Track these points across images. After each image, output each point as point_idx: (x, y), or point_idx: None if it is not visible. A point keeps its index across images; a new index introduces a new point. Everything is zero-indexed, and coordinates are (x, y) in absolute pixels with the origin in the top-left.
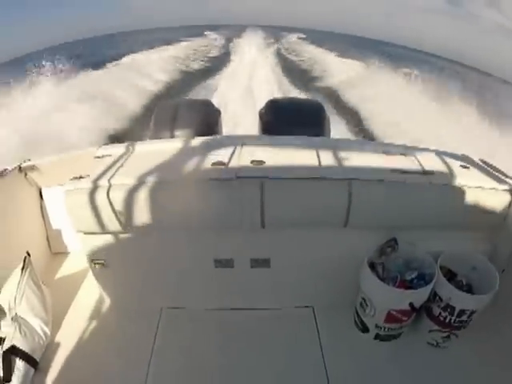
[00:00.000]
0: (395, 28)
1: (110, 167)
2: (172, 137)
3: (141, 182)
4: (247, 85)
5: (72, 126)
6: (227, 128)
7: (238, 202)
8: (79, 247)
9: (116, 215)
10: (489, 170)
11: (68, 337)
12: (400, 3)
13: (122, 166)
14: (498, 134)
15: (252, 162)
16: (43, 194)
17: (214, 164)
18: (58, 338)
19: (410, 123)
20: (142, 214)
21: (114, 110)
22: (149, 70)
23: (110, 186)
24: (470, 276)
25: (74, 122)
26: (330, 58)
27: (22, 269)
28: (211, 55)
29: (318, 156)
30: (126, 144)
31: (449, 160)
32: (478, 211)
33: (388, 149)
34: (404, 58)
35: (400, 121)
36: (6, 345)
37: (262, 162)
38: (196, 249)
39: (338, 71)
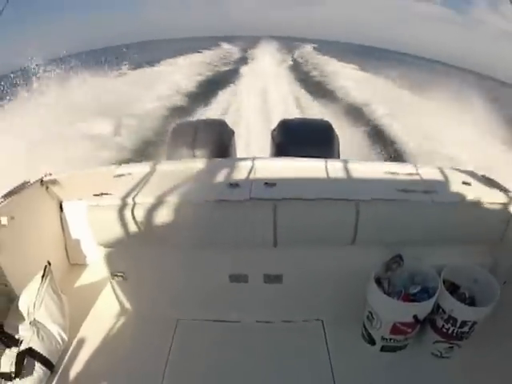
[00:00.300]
0: (410, 38)
1: (130, 186)
2: (188, 156)
3: (160, 200)
4: (262, 97)
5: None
6: (241, 144)
7: (252, 222)
8: (97, 259)
9: (137, 231)
10: (490, 185)
11: (84, 344)
12: (411, 12)
13: (142, 184)
14: None
15: (265, 183)
16: (63, 206)
17: (229, 185)
18: (74, 344)
19: (436, 137)
20: (161, 231)
21: (128, 124)
22: (162, 82)
23: (132, 203)
24: (472, 288)
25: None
26: (345, 69)
27: (42, 276)
28: (226, 67)
29: (328, 176)
30: (144, 163)
31: (452, 177)
32: (479, 226)
33: (393, 168)
34: (420, 69)
35: (425, 135)
36: (23, 347)
37: (274, 184)
38: (212, 264)
39: (353, 83)
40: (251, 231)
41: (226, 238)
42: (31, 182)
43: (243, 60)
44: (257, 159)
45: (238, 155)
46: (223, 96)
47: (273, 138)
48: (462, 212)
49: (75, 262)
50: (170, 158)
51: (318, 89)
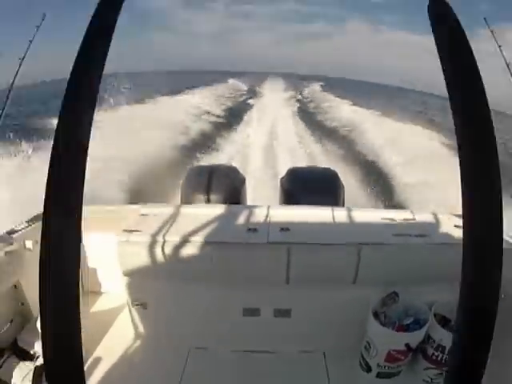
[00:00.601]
0: (422, 74)
1: (157, 225)
2: (202, 200)
3: (184, 240)
4: (269, 140)
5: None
6: (249, 188)
7: (268, 262)
8: (117, 288)
9: (161, 266)
10: None
11: (98, 365)
12: (423, 47)
13: (167, 224)
14: None
15: (281, 229)
16: (83, 237)
17: (248, 230)
18: (89, 367)
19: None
20: (183, 267)
21: (135, 163)
22: (167, 119)
23: (158, 241)
24: None
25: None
26: (350, 107)
27: None
28: (233, 106)
29: (334, 223)
30: (166, 205)
31: (445, 221)
32: None
33: (391, 214)
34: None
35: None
36: (40, 361)
37: (288, 229)
38: (229, 299)
39: (359, 122)
40: (267, 270)
41: (244, 276)
42: None
43: (251, 99)
44: (270, 207)
45: (248, 200)
46: (231, 138)
47: (282, 185)
48: (452, 252)
49: (90, 290)
50: (186, 199)
51: (325, 132)
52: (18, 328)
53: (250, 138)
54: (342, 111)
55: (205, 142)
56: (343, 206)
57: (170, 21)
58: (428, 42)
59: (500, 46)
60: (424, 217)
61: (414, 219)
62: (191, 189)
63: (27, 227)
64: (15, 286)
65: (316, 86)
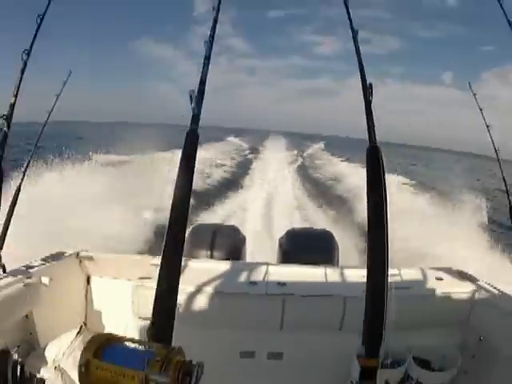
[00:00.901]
0: (430, 128)
1: None
2: (206, 256)
3: (193, 289)
4: (268, 199)
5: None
6: (249, 246)
7: (266, 310)
8: (123, 330)
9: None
10: (461, 278)
11: None
12: (426, 99)
13: None
14: None
15: (278, 283)
16: (91, 280)
17: (249, 283)
18: None
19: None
20: (189, 312)
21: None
22: (165, 175)
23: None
24: (441, 363)
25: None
26: (350, 169)
27: (77, 333)
28: (234, 162)
29: (325, 279)
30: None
31: (428, 274)
32: (448, 312)
33: None
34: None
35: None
36: None
37: (284, 284)
38: (229, 342)
39: (358, 184)
40: (264, 317)
41: (243, 322)
42: (68, 253)
43: (251, 158)
44: (269, 264)
45: (248, 257)
46: (231, 197)
47: (280, 244)
48: (432, 302)
49: (93, 329)
50: (189, 254)
51: (324, 193)
52: (24, 354)
53: (249, 198)
54: (343, 172)
55: (205, 199)
56: (338, 264)
57: (171, 72)
58: (433, 92)
59: (481, 109)
60: (409, 272)
61: (399, 275)
62: (194, 246)
63: (43, 264)
64: (27, 316)
65: (318, 146)
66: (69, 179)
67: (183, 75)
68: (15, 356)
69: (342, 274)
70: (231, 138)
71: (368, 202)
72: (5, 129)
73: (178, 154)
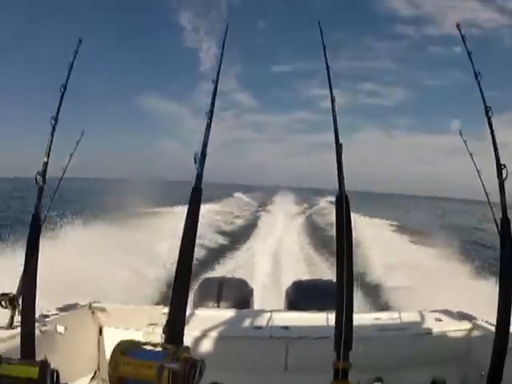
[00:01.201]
0: (441, 176)
1: None
2: (213, 307)
3: (203, 334)
4: (276, 253)
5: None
6: (257, 297)
7: (271, 352)
8: None
9: None
10: (460, 317)
11: None
12: (435, 149)
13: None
14: None
15: (281, 327)
16: (103, 331)
17: (254, 327)
18: None
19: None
20: (203, 356)
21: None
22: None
23: None
24: None
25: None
26: (359, 222)
27: (92, 378)
28: (242, 219)
29: (327, 323)
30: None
31: (427, 316)
32: (447, 349)
33: (381, 315)
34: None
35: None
36: None
37: (287, 328)
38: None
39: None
40: (269, 360)
41: (249, 364)
42: (81, 304)
43: (260, 214)
44: (274, 311)
45: (256, 308)
46: (239, 251)
47: (287, 295)
48: (430, 340)
49: (106, 376)
50: (197, 306)
51: (331, 246)
52: None
53: (258, 252)
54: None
55: (215, 253)
56: None
57: (177, 129)
58: (440, 141)
59: (471, 154)
60: (408, 315)
61: (399, 318)
62: (202, 297)
63: (58, 314)
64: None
65: (326, 200)
66: (82, 233)
67: (189, 131)
68: None
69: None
70: (239, 195)
71: (337, 241)
72: (41, 183)
73: (184, 209)
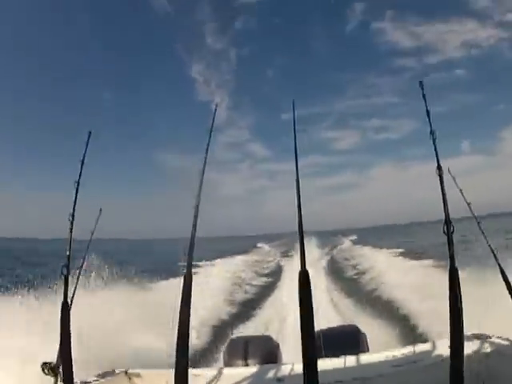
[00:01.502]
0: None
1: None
2: (242, 365)
3: None
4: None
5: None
6: (287, 351)
7: None
8: None
9: None
10: (475, 338)
11: None
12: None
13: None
14: None
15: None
16: None
17: (277, 380)
18: None
19: None
20: None
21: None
22: (201, 289)
23: None
24: None
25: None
26: (383, 257)
27: None
28: (263, 272)
29: (351, 365)
30: (212, 368)
31: (438, 344)
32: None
33: (396, 352)
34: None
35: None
36: None
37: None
38: None
39: (393, 276)
40: None
41: None
42: (118, 370)
43: (282, 262)
44: (296, 363)
45: (284, 361)
46: (265, 304)
47: None
48: (445, 368)
49: None
50: (227, 364)
51: (355, 287)
52: None
53: (284, 303)
54: (373, 262)
55: (241, 308)
56: (368, 350)
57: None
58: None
59: (461, 190)
60: (422, 347)
61: (413, 351)
62: (231, 355)
63: (96, 381)
64: None
65: (348, 240)
66: (110, 298)
67: (206, 183)
68: None
69: (366, 360)
70: (263, 245)
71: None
72: (65, 274)
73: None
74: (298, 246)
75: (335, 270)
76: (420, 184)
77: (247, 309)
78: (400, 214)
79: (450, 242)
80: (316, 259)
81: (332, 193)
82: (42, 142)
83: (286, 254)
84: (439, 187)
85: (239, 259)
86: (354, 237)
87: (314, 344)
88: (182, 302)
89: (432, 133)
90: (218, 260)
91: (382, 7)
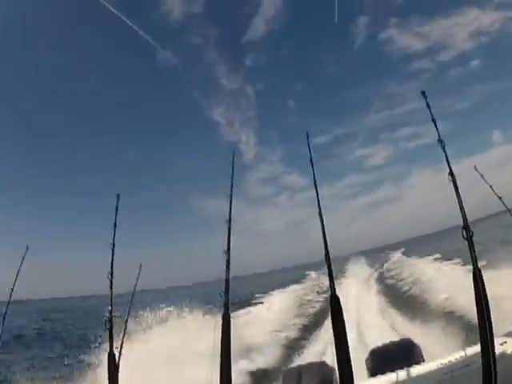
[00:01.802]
0: None
1: None
2: None
3: None
4: (356, 325)
5: None
6: None
7: None
8: None
9: None
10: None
11: None
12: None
13: None
14: None
15: None
16: None
17: None
18: None
19: None
20: None
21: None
22: (257, 322)
23: None
24: None
25: None
26: (434, 267)
27: None
28: (317, 298)
29: (408, 377)
30: None
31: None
32: None
33: (431, 366)
34: None
35: None
36: None
37: None
38: None
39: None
40: None
41: None
42: None
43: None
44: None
45: None
46: (319, 332)
47: (367, 365)
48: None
49: None
50: None
51: (407, 301)
52: None
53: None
54: (422, 271)
55: (296, 338)
56: (423, 360)
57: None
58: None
59: (491, 186)
60: (471, 349)
61: (464, 355)
62: None
63: None
64: None
65: (397, 254)
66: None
67: (244, 223)
68: None
69: (424, 370)
70: (312, 273)
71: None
72: (108, 326)
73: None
74: (349, 267)
75: (386, 286)
76: (463, 180)
77: (301, 340)
78: (448, 216)
79: (471, 246)
80: (366, 278)
81: (374, 209)
82: (75, 204)
83: (338, 278)
84: (454, 194)
85: (292, 289)
86: (402, 250)
87: (350, 365)
88: (222, 340)
89: (440, 141)
90: (275, 291)
91: (385, 16)
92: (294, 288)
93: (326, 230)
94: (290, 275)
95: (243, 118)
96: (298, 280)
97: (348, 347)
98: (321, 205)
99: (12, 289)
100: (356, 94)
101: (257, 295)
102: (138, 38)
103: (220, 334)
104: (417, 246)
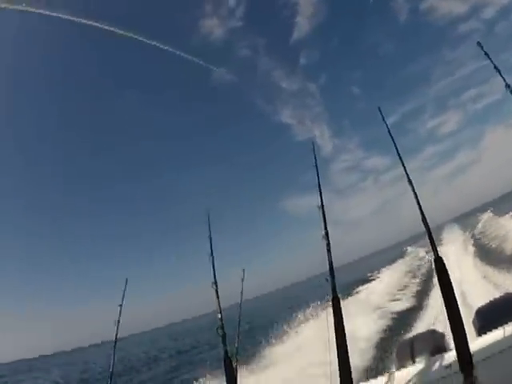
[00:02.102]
0: None
1: None
2: (411, 365)
3: None
4: (457, 288)
5: None
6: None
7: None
8: None
9: None
10: None
11: None
12: None
13: None
14: None
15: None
16: None
17: (446, 367)
18: None
19: None
20: None
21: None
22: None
23: None
24: None
25: None
26: None
27: None
28: (418, 271)
29: None
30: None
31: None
32: None
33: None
34: None
35: None
36: None
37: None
38: None
39: None
40: None
41: None
42: None
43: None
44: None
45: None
46: (426, 303)
47: (474, 325)
48: None
49: None
50: (398, 366)
51: (505, 259)
52: None
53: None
54: None
55: (402, 315)
56: None
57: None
58: None
59: None
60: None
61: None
62: (402, 359)
63: None
64: None
65: (487, 215)
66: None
67: (336, 212)
68: None
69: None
70: (407, 248)
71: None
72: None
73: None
74: (444, 235)
75: (481, 247)
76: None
77: (411, 314)
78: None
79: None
80: (462, 242)
81: (454, 177)
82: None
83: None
84: None
85: (399, 263)
86: (491, 209)
87: (462, 324)
88: (334, 322)
89: (508, 86)
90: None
91: None
92: (400, 262)
93: (418, 197)
94: (391, 254)
95: (313, 115)
96: (400, 255)
97: (458, 306)
98: (408, 172)
99: (118, 321)
100: (414, 68)
101: (369, 274)
102: (187, 64)
103: (332, 316)
104: (503, 203)
